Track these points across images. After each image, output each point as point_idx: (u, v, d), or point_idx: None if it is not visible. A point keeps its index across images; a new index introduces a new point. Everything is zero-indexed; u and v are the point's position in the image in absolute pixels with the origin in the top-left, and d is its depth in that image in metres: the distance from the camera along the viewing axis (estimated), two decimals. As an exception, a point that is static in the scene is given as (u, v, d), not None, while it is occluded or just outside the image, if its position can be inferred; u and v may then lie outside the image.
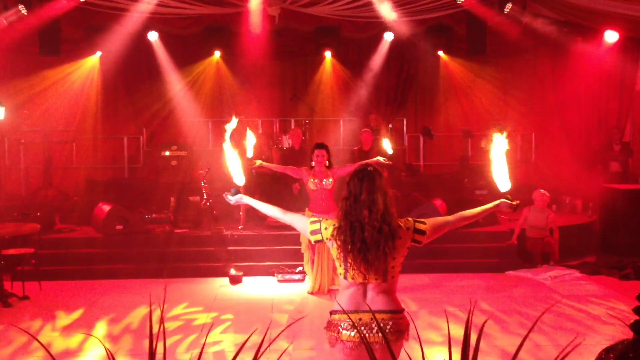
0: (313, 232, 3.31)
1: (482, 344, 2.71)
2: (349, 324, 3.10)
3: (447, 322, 3.02)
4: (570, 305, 7.29)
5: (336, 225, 3.22)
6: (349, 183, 3.24)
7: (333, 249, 3.24)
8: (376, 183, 3.18)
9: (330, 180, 7.24)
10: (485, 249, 9.39)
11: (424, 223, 3.27)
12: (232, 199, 3.69)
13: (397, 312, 3.16)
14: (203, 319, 6.89)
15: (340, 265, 3.21)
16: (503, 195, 3.53)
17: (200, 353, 2.77)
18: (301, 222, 3.42)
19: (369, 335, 3.04)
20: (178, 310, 7.18)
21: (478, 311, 6.97)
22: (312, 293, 7.77)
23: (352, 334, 3.09)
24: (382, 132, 11.72)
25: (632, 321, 2.32)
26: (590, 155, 12.61)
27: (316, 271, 7.65)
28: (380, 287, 3.16)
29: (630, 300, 7.46)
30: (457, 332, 2.97)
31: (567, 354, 2.49)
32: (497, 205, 3.49)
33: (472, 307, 2.90)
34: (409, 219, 3.29)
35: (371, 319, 3.07)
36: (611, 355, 2.29)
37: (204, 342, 3.32)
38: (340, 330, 3.14)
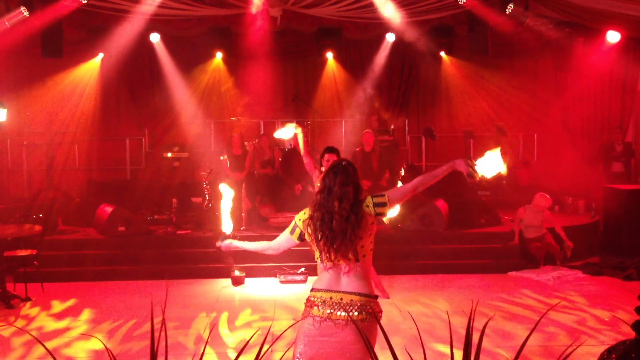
0: (292, 231, 3.53)
1: (483, 346, 2.71)
2: (321, 301, 3.33)
3: (449, 324, 3.02)
4: (573, 306, 7.28)
5: (309, 214, 3.42)
6: (324, 178, 3.42)
7: (307, 235, 3.44)
8: (350, 176, 3.36)
9: None
10: (487, 249, 9.37)
11: (383, 195, 3.42)
12: (222, 245, 3.96)
13: (366, 296, 3.33)
14: (205, 320, 6.89)
15: (315, 250, 3.41)
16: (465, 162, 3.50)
17: (202, 354, 2.77)
18: (284, 235, 3.61)
19: (333, 313, 3.28)
20: (180, 311, 7.18)
21: (480, 312, 6.96)
22: None
23: (321, 310, 3.31)
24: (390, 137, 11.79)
25: (634, 321, 2.32)
26: (593, 156, 12.59)
27: None
28: (354, 270, 3.34)
29: (632, 301, 7.46)
30: (459, 333, 2.97)
31: (569, 355, 2.48)
32: (453, 162, 3.50)
33: (474, 308, 2.90)
34: (368, 196, 3.42)
35: (341, 298, 3.30)
36: (613, 356, 2.29)
37: (206, 343, 3.32)
38: (313, 306, 3.36)
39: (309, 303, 3.39)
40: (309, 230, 3.39)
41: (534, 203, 9.35)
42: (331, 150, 6.96)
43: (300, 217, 3.48)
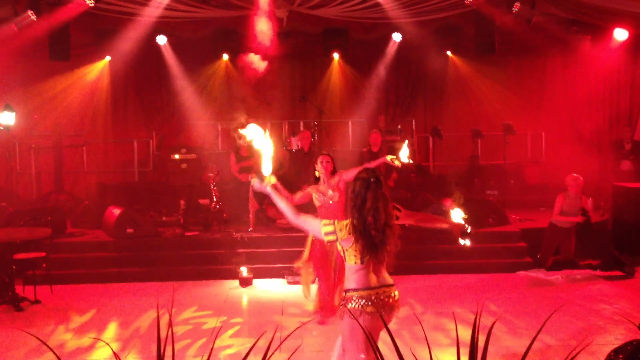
0: (327, 234, 3.75)
1: (490, 345, 2.70)
2: (369, 299, 3.68)
3: (455, 324, 3.02)
4: (581, 305, 7.24)
5: (348, 226, 3.69)
6: (353, 190, 3.73)
7: (349, 246, 3.72)
8: (378, 192, 3.67)
9: (337, 194, 6.65)
10: (496, 249, 9.34)
11: (400, 210, 3.98)
12: (256, 186, 4.07)
13: (391, 285, 3.83)
14: (213, 321, 6.90)
15: (355, 256, 3.72)
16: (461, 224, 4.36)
17: (209, 355, 2.78)
18: (314, 224, 3.87)
19: (385, 303, 3.71)
20: (188, 313, 7.19)
21: (487, 312, 6.95)
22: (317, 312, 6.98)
23: (373, 305, 3.68)
24: (397, 137, 11.73)
25: (641, 321, 2.31)
26: (601, 154, 12.52)
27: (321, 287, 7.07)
28: (378, 267, 3.79)
29: (641, 300, 7.42)
30: (466, 333, 2.97)
31: (576, 354, 2.47)
32: (452, 225, 4.38)
33: (480, 308, 2.89)
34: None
35: (384, 291, 3.74)
36: (620, 356, 2.28)
37: (213, 345, 3.33)
38: (359, 304, 3.69)
39: (355, 302, 3.70)
40: (345, 235, 3.70)
41: (569, 187, 8.85)
42: (323, 153, 6.92)
43: (342, 229, 3.71)
